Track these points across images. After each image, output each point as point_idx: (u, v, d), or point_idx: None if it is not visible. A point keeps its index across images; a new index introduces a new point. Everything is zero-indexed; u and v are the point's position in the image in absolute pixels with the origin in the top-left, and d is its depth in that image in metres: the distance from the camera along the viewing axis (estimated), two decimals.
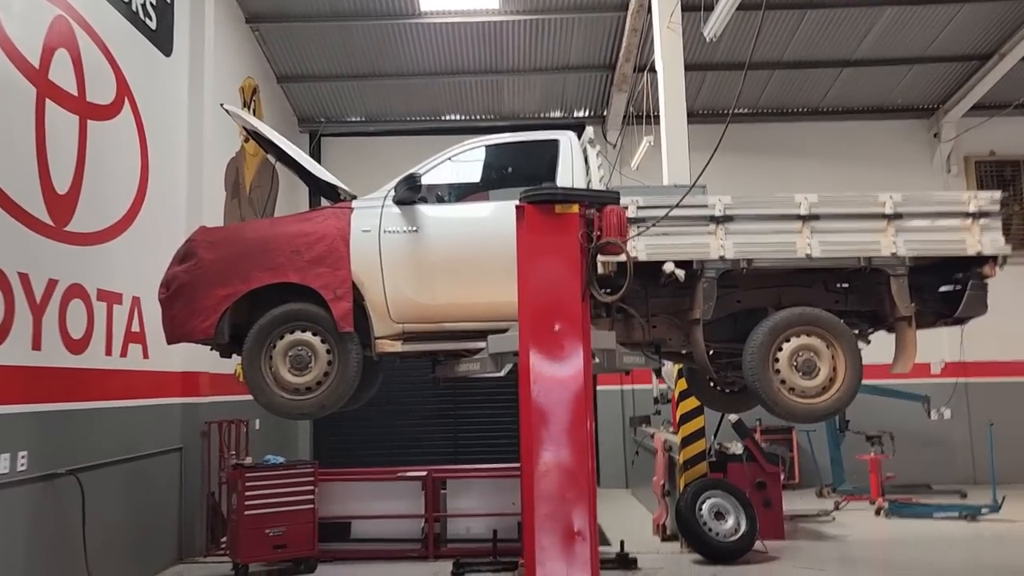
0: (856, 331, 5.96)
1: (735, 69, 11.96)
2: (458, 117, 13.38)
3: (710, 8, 8.14)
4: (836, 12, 10.99)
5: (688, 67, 9.10)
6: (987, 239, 5.38)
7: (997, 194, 5.49)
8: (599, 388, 12.79)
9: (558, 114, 13.32)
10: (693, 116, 9.22)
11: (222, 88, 9.41)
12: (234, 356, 5.78)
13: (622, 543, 7.67)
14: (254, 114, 10.88)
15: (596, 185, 5.79)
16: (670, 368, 8.14)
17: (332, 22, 11.05)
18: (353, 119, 13.39)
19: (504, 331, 5.11)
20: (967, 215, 5.41)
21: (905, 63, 12.16)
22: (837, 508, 10.23)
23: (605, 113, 13.12)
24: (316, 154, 13.31)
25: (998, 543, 8.61)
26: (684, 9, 8.81)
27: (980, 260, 5.42)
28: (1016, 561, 7.81)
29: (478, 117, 13.38)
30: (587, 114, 13.35)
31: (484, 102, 13.06)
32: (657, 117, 9.01)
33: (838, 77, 12.43)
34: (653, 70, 9.17)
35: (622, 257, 4.71)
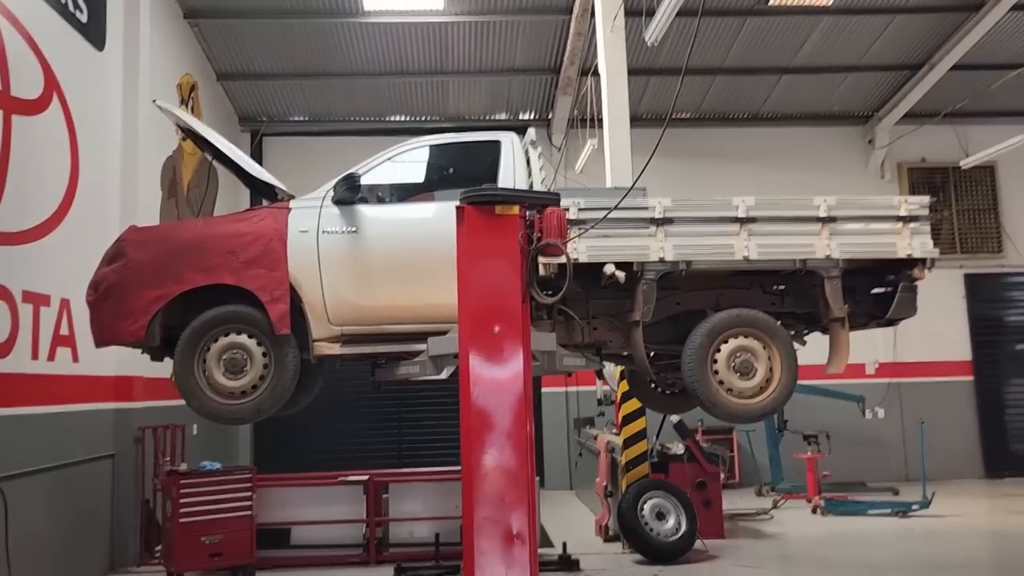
0: (792, 332, 6.09)
1: (678, 74, 12.12)
2: (403, 118, 13.29)
3: (652, 13, 8.23)
4: (775, 20, 11.23)
5: (632, 71, 9.18)
6: (917, 242, 5.51)
7: (926, 199, 5.63)
8: (544, 390, 12.83)
9: (504, 116, 13.32)
10: (637, 120, 9.30)
11: (158, 84, 9.17)
12: (167, 360, 5.59)
13: (564, 544, 7.69)
14: (192, 112, 10.63)
15: (538, 187, 5.80)
16: (612, 370, 8.18)
17: (273, 19, 10.86)
18: (296, 119, 13.19)
19: (444, 333, 5.06)
20: (898, 219, 5.53)
21: (841, 71, 12.50)
22: (775, 507, 10.42)
23: (550, 116, 13.17)
24: (258, 154, 13.05)
25: (928, 538, 8.88)
26: (627, 14, 8.89)
27: (910, 263, 5.54)
28: (944, 555, 8.06)
29: (423, 118, 13.31)
30: (532, 117, 13.38)
31: (429, 103, 12.99)
32: (601, 121, 9.07)
33: (777, 84, 12.71)
34: (597, 74, 9.23)
35: (563, 259, 4.71)
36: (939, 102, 12.69)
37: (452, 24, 11.07)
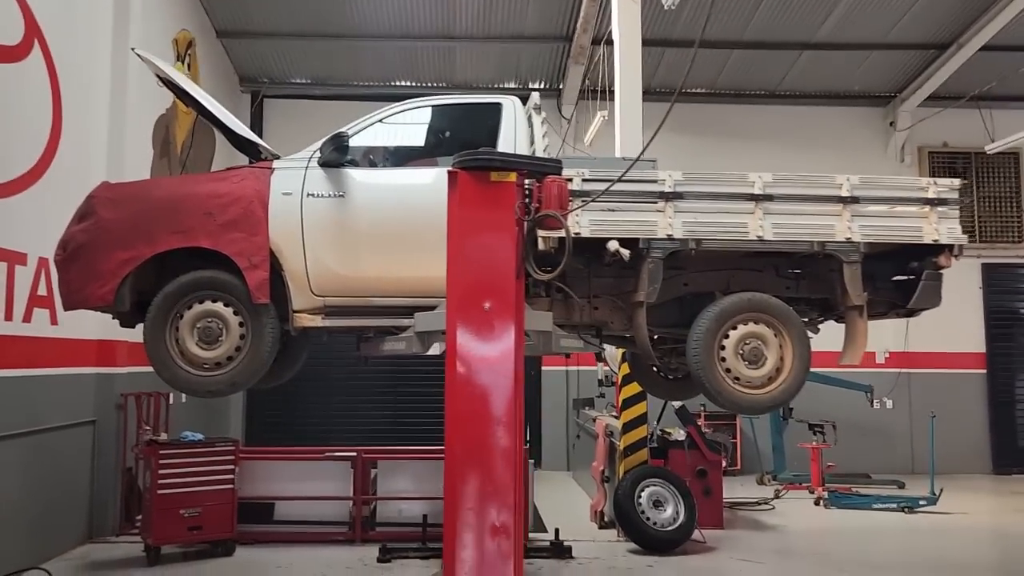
0: (807, 319, 5.74)
1: (694, 46, 11.66)
2: (409, 83, 12.88)
3: None
4: None
5: (647, 42, 8.76)
6: (944, 228, 5.15)
7: (956, 182, 5.26)
8: (544, 368, 12.55)
9: (513, 85, 12.87)
10: (650, 94, 8.88)
11: (152, 37, 8.78)
12: (139, 327, 5.28)
13: (557, 531, 7.42)
14: (189, 69, 10.25)
15: (541, 155, 5.42)
16: (613, 351, 7.86)
17: None
18: (298, 81, 12.79)
19: (434, 308, 4.73)
20: (925, 202, 5.17)
21: (864, 48, 11.99)
22: (777, 496, 10.16)
23: (561, 86, 12.72)
24: (258, 116, 12.70)
25: (933, 535, 8.58)
26: None
27: (936, 249, 5.19)
28: (949, 554, 7.78)
29: (430, 84, 12.90)
30: (543, 86, 12.94)
31: (436, 69, 12.56)
32: (613, 92, 8.65)
33: (797, 60, 12.22)
34: (611, 43, 8.80)
35: (562, 233, 4.36)
36: (965, 84, 12.17)
37: None
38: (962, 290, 12.74)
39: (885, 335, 12.39)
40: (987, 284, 13.09)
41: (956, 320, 12.66)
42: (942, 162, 13.20)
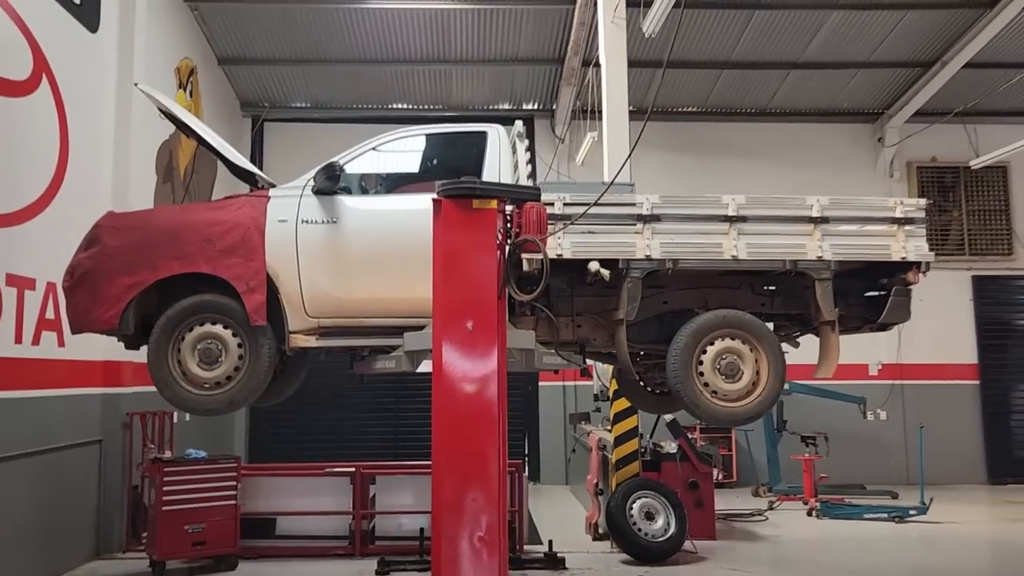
0: (785, 334, 5.96)
1: (683, 67, 11.94)
2: (406, 106, 13.17)
3: (652, 4, 8.06)
4: (784, 14, 11.01)
5: (635, 63, 9.04)
6: (911, 245, 5.37)
7: (923, 201, 5.50)
8: (541, 383, 12.75)
9: (507, 106, 13.17)
10: (640, 114, 9.16)
11: (155, 68, 9.09)
12: (143, 348, 5.52)
13: (550, 543, 7.60)
14: (191, 97, 10.55)
15: (524, 180, 5.67)
16: (604, 366, 8.07)
17: (275, 3, 10.75)
18: (298, 105, 13.09)
19: (422, 328, 4.96)
20: (893, 221, 5.40)
21: (851, 67, 12.26)
22: (771, 508, 10.30)
23: (554, 107, 13.01)
24: (259, 140, 13.01)
25: (923, 545, 8.73)
26: (629, 4, 8.72)
27: (904, 266, 5.41)
28: (938, 562, 7.95)
29: (426, 107, 13.19)
30: (536, 107, 13.23)
31: (432, 92, 12.85)
32: (603, 113, 8.91)
33: (786, 79, 12.48)
34: (599, 65, 9.07)
35: (540, 255, 4.59)
36: (951, 100, 12.45)
37: (455, 11, 10.93)
38: (954, 302, 12.94)
39: (878, 347, 12.57)
40: (978, 296, 13.25)
41: (948, 332, 12.88)
42: (931, 177, 13.41)
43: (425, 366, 5.32)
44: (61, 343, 7.21)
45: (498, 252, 4.41)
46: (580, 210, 5.09)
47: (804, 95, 12.91)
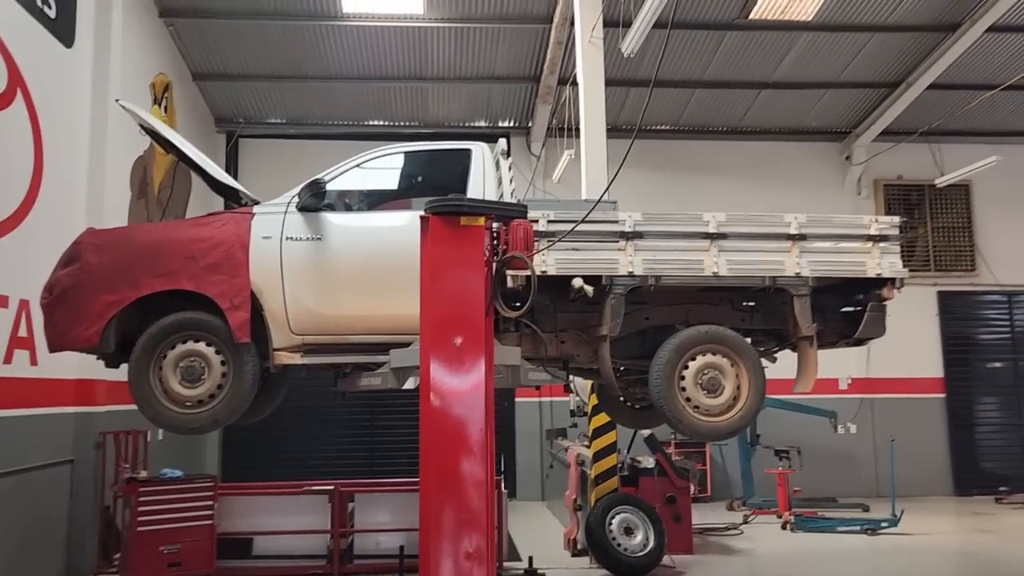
0: (762, 349, 6.05)
1: (657, 86, 12.12)
2: (382, 122, 13.18)
3: (631, 24, 8.19)
4: (755, 35, 11.24)
5: (611, 82, 9.15)
6: (886, 262, 5.51)
7: (896, 219, 5.64)
8: (518, 400, 12.75)
9: (483, 124, 13.25)
10: (615, 131, 9.27)
11: (130, 83, 9.02)
12: (123, 366, 5.45)
13: (530, 559, 7.60)
14: (166, 112, 10.47)
15: (508, 197, 5.72)
16: (583, 382, 8.11)
17: (251, 20, 10.73)
18: (273, 121, 13.05)
19: (408, 345, 4.97)
20: (868, 238, 5.53)
21: (820, 87, 12.54)
22: (746, 521, 10.39)
23: (530, 125, 13.11)
24: (234, 156, 12.91)
25: (895, 556, 8.85)
26: (606, 24, 8.85)
27: (879, 282, 5.54)
28: (909, 573, 8.06)
29: (402, 124, 13.22)
30: (512, 125, 13.32)
31: (409, 108, 12.89)
32: (579, 130, 9.01)
33: (757, 98, 12.72)
34: (576, 84, 9.18)
35: (527, 272, 4.63)
36: (916, 120, 12.80)
37: (432, 29, 10.99)
38: (920, 317, 13.21)
39: (848, 362, 12.79)
40: (943, 311, 13.56)
41: (915, 346, 13.14)
42: (897, 194, 13.73)
43: (408, 383, 5.35)
44: (34, 362, 7.10)
45: (486, 269, 4.45)
46: (564, 227, 5.14)
47: (774, 114, 13.17)
